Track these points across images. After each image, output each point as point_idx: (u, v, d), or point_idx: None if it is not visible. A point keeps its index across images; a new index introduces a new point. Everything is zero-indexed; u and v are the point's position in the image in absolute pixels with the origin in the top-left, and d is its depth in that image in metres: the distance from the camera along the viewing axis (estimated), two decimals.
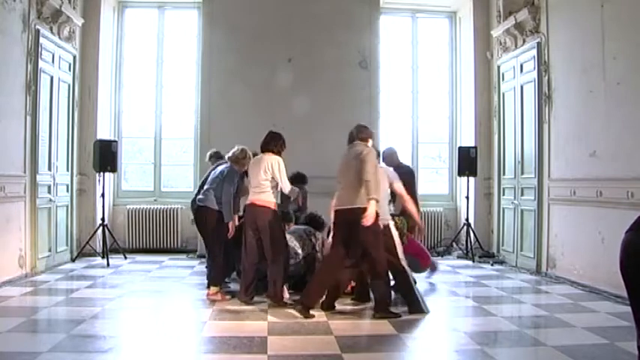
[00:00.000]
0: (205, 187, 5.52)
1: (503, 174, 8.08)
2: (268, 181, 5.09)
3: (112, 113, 8.62)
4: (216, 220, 5.35)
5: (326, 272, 4.85)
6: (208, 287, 5.47)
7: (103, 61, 8.14)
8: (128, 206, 8.48)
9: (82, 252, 7.63)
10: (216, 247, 5.41)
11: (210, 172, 5.76)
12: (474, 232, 8.03)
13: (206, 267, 5.91)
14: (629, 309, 5.03)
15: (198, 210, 5.49)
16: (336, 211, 4.80)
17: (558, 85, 6.67)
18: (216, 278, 5.40)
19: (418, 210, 5.64)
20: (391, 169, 5.73)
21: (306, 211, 6.23)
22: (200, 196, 5.49)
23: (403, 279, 4.99)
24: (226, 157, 5.58)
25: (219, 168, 5.58)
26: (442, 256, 8.20)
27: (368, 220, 4.48)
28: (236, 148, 5.48)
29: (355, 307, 5.16)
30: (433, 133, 9.39)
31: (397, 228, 5.22)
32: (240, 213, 5.60)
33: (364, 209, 4.51)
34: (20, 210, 6.22)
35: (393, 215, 5.40)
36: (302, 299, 4.76)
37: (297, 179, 6.26)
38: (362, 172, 4.56)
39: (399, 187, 5.27)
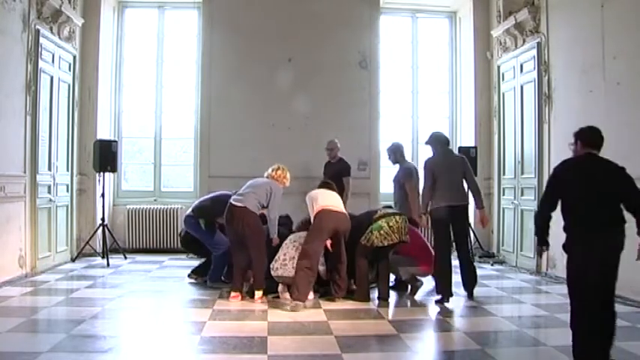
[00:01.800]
0: (246, 190, 5.46)
1: (503, 174, 8.08)
2: None
3: (112, 113, 8.62)
4: (259, 224, 5.34)
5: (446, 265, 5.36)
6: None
7: (103, 61, 8.13)
8: (128, 206, 8.47)
9: (82, 252, 7.63)
10: (259, 251, 5.30)
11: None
12: (474, 232, 8.01)
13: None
14: (629, 309, 5.09)
15: (237, 210, 5.29)
16: (453, 206, 5.35)
17: (558, 85, 6.68)
18: (261, 281, 5.33)
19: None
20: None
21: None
22: (237, 197, 5.39)
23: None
24: (267, 175, 5.67)
25: (262, 180, 5.59)
26: None
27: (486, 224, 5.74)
28: (277, 167, 5.67)
29: (355, 307, 5.16)
30: None
31: (398, 226, 5.25)
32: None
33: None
34: (20, 210, 6.22)
35: (395, 213, 5.42)
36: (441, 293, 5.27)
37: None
38: (474, 182, 5.53)
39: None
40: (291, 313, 4.83)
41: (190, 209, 6.07)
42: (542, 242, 3.75)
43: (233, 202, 5.35)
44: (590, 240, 3.48)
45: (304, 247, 5.15)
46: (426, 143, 5.80)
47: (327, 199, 5.41)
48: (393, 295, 5.60)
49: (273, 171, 5.67)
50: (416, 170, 6.40)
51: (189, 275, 6.22)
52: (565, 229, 3.64)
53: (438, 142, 5.67)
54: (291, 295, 5.05)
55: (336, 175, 6.92)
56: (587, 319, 3.37)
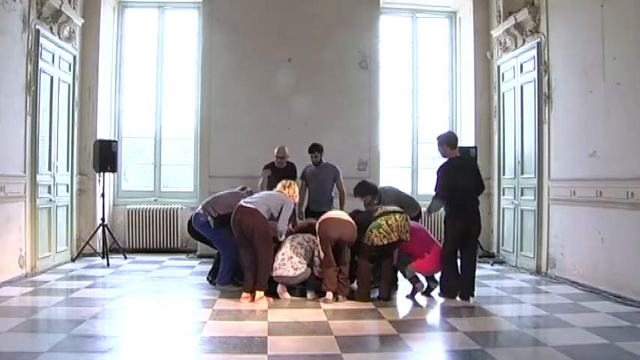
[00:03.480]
0: (258, 198, 5.53)
1: (503, 174, 8.08)
2: None
3: (112, 113, 8.62)
4: (267, 226, 5.34)
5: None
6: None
7: (103, 61, 8.13)
8: (128, 206, 8.48)
9: (82, 252, 7.63)
10: (265, 253, 5.30)
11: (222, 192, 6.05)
12: None
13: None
14: (629, 309, 5.10)
15: (246, 210, 5.31)
16: None
17: (558, 85, 6.68)
18: (264, 282, 5.34)
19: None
20: None
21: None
22: (248, 200, 5.45)
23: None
24: (278, 191, 5.74)
25: (275, 193, 5.69)
26: None
27: None
28: (288, 183, 5.81)
29: (355, 307, 5.16)
30: (433, 133, 9.36)
31: (397, 224, 5.25)
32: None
33: None
34: (20, 210, 6.22)
35: (395, 212, 5.41)
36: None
37: None
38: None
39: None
40: (291, 313, 4.84)
41: (200, 207, 5.95)
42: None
43: (243, 204, 5.39)
44: (465, 214, 5.40)
45: (322, 259, 5.34)
46: (357, 194, 6.19)
47: (333, 213, 5.50)
48: (393, 295, 5.60)
49: (284, 187, 5.74)
50: None
51: (207, 279, 6.22)
52: (447, 207, 5.51)
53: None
54: (324, 293, 5.27)
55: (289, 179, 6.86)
56: (454, 260, 5.43)
